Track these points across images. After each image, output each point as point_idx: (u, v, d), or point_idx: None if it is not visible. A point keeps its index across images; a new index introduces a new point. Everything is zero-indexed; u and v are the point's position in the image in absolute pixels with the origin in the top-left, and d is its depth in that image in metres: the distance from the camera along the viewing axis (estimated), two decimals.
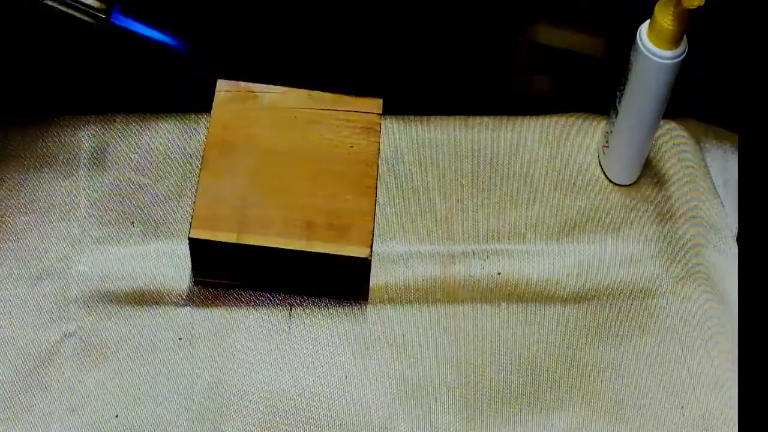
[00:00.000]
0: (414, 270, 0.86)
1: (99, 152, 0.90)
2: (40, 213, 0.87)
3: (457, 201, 0.90)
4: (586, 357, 0.83)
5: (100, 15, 0.80)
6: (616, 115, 0.87)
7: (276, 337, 0.83)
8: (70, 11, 0.79)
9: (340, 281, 0.83)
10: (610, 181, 0.92)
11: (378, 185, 0.84)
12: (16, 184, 0.88)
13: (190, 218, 0.81)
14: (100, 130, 0.91)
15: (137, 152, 0.90)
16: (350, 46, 0.95)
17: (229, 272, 0.83)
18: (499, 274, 0.86)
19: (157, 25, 0.84)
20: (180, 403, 0.79)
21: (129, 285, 0.84)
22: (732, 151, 0.95)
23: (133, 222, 0.87)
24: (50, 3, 0.79)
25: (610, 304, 0.86)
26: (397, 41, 0.95)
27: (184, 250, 0.83)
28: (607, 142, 0.90)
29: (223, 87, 0.87)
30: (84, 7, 0.80)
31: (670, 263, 0.88)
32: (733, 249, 0.89)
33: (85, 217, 0.87)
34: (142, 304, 0.83)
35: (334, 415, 0.80)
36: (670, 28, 0.79)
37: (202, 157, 0.83)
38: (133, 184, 0.89)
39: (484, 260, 0.87)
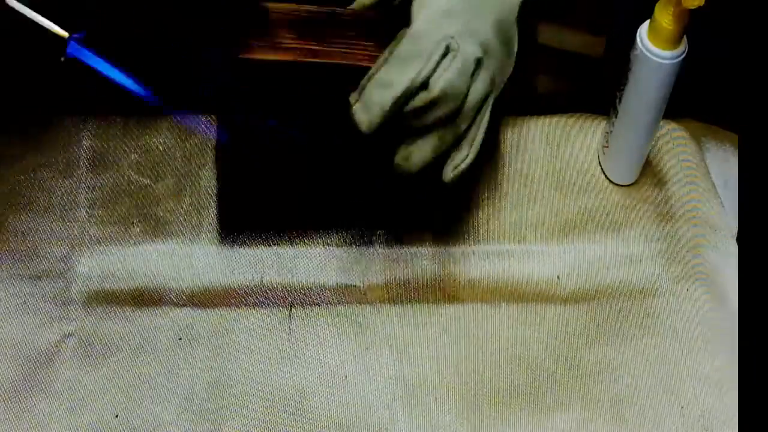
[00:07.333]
0: (414, 270, 0.86)
1: (99, 152, 0.90)
2: (40, 213, 0.87)
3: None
4: (586, 357, 0.83)
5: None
6: (616, 115, 0.87)
7: (276, 337, 0.83)
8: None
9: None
10: (610, 181, 0.92)
11: None
12: (16, 184, 0.88)
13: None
14: (100, 130, 0.91)
15: (137, 152, 0.90)
16: None
17: None
18: (498, 274, 0.86)
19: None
20: (180, 403, 0.79)
21: (129, 285, 0.84)
22: (732, 151, 0.95)
23: (133, 222, 0.87)
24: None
25: (610, 304, 0.86)
26: None
27: (184, 250, 0.83)
28: (607, 142, 0.90)
29: None
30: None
31: (670, 263, 0.88)
32: (733, 249, 0.89)
33: (85, 217, 0.87)
34: (142, 304, 0.83)
35: (334, 415, 0.80)
36: (670, 28, 0.79)
37: None
38: (133, 184, 0.89)
39: (484, 260, 0.87)
